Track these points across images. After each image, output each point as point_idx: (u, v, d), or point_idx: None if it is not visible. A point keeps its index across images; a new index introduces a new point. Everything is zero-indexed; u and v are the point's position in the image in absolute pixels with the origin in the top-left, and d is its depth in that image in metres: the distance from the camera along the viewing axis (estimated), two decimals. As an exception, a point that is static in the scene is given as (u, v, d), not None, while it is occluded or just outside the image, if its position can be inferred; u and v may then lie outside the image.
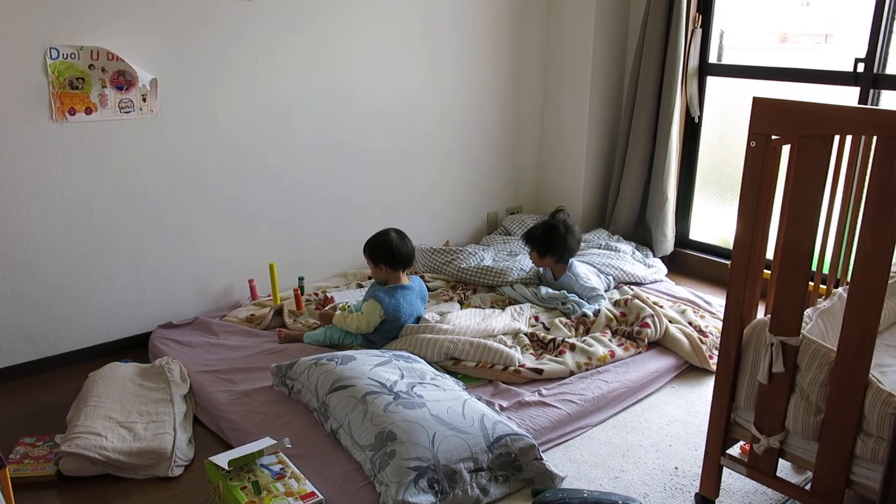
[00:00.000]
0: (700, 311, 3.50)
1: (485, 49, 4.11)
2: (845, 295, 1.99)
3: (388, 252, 3.01)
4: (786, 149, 2.11)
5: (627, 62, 4.33)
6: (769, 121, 1.95)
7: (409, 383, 2.52)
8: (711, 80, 4.10)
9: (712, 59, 4.09)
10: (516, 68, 4.30)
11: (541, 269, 3.68)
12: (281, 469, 2.12)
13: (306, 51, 3.42)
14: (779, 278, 2.01)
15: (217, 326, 3.21)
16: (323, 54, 3.48)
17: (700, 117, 4.15)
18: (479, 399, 2.62)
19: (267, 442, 2.17)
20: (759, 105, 1.96)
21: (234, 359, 2.97)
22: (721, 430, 2.22)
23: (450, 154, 4.15)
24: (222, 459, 2.09)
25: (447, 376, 2.73)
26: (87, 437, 2.32)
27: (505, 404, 2.69)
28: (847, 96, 3.54)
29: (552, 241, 3.51)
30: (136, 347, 3.20)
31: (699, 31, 3.96)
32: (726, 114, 4.18)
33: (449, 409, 2.39)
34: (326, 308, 3.23)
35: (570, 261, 3.58)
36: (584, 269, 3.61)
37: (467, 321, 3.14)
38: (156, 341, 3.11)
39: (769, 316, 2.16)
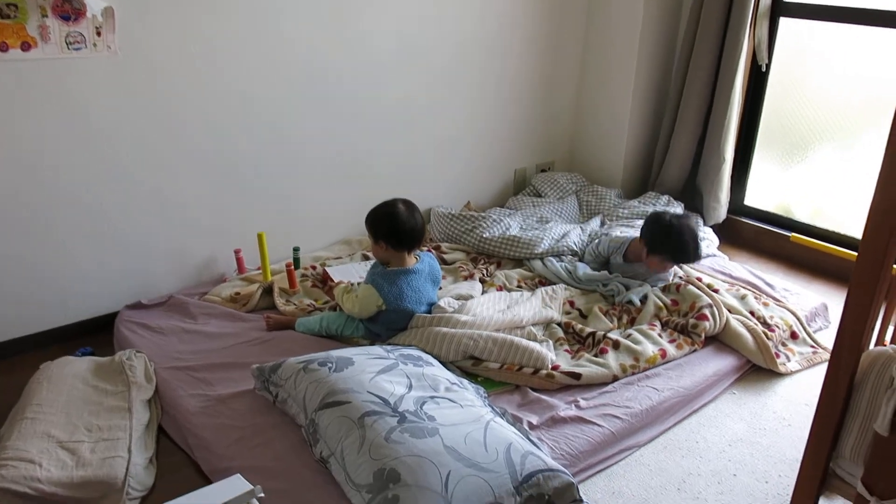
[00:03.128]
0: (762, 296, 2.97)
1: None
2: None
3: (392, 228, 2.48)
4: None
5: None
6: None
7: (418, 398, 2.03)
8: (784, 22, 3.48)
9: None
10: (556, 4, 3.68)
11: (610, 246, 3.07)
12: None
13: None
14: (919, 301, 1.48)
15: (195, 307, 2.73)
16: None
17: (768, 66, 3.55)
18: (503, 416, 2.15)
19: (232, 490, 1.69)
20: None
21: (211, 351, 2.49)
22: (815, 482, 1.74)
23: (471, 102, 3.58)
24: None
25: (466, 383, 2.24)
26: (16, 466, 1.86)
27: (535, 421, 2.21)
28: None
29: (669, 241, 2.87)
30: (99, 331, 2.73)
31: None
32: (793, 61, 3.56)
33: (468, 436, 1.91)
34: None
35: None
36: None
37: (490, 309, 2.65)
38: (121, 325, 2.63)
39: (892, 346, 1.65)
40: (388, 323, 2.53)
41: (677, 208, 3.59)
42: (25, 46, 2.29)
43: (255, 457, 2.00)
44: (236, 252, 2.96)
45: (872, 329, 1.65)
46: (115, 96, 2.55)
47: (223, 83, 2.78)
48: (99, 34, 2.40)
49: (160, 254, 2.83)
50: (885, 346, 1.68)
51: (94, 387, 2.22)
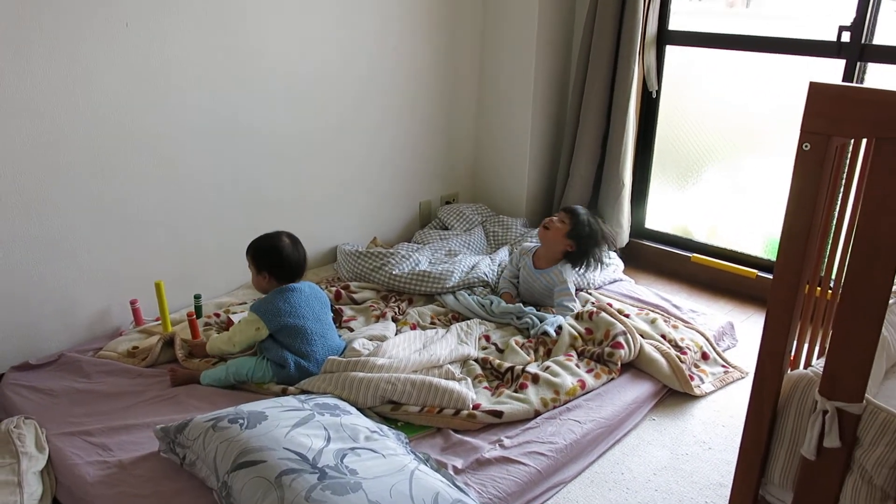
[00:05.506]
0: (671, 319, 3.02)
1: (413, 15, 3.48)
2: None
3: (277, 260, 2.51)
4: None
5: (577, 29, 3.78)
6: (832, 116, 1.42)
7: (338, 451, 1.93)
8: (670, 50, 3.59)
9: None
10: (450, 36, 3.68)
11: (521, 255, 3.17)
12: None
13: (199, 8, 2.72)
14: (837, 324, 1.50)
15: (89, 365, 2.53)
16: (220, 13, 2.79)
17: (658, 91, 3.65)
18: (427, 462, 2.07)
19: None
20: (819, 94, 1.43)
21: (109, 412, 2.31)
22: (745, 510, 1.74)
23: (372, 135, 3.52)
24: None
25: (386, 430, 2.15)
26: None
27: (460, 464, 2.14)
28: (828, 70, 3.12)
29: (590, 237, 3.06)
30: (-19, 396, 2.49)
31: (660, -7, 3.45)
32: (681, 86, 3.69)
33: (392, 488, 1.82)
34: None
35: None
36: (572, 273, 3.10)
37: (406, 350, 2.57)
38: (7, 390, 2.41)
39: (811, 368, 1.68)
40: (287, 347, 2.45)
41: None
42: None
43: (165, 528, 1.86)
44: (132, 303, 2.77)
45: (791, 352, 1.67)
46: (-10, 139, 2.36)
47: (108, 119, 2.61)
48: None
49: (47, 307, 2.62)
50: (805, 368, 1.70)
51: (-23, 462, 2.01)
